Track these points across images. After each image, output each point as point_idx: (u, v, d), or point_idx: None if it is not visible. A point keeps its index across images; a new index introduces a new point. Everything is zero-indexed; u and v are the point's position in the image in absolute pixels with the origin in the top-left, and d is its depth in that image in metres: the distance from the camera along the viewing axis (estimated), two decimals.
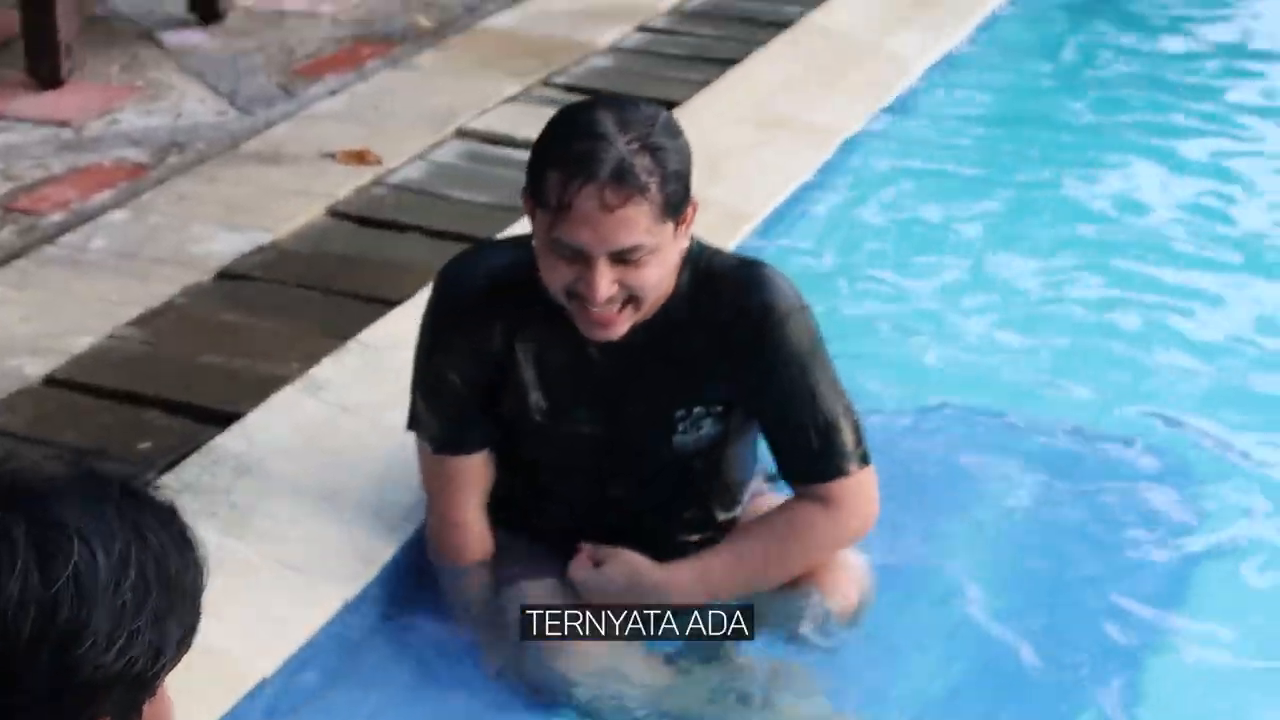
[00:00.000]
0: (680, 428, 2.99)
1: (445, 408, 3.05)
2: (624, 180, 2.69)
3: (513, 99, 5.51)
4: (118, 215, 4.46)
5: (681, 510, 3.15)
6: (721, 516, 3.19)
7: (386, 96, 5.45)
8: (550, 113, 5.28)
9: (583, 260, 2.74)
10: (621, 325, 2.83)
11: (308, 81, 5.55)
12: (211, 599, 3.07)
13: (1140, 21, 7.27)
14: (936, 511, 3.58)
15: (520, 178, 4.80)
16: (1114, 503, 3.70)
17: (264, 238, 4.37)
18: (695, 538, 3.15)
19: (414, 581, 3.27)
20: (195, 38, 5.87)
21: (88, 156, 4.82)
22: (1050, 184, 5.51)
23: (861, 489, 3.01)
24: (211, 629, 3.02)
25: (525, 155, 4.90)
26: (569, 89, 5.66)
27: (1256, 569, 3.52)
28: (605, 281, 2.75)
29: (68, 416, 3.53)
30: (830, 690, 3.06)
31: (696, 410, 2.99)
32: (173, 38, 5.85)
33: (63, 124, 5.05)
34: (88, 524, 1.45)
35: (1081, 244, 5.07)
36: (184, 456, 3.41)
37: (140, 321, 3.92)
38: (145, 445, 3.45)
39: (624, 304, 2.80)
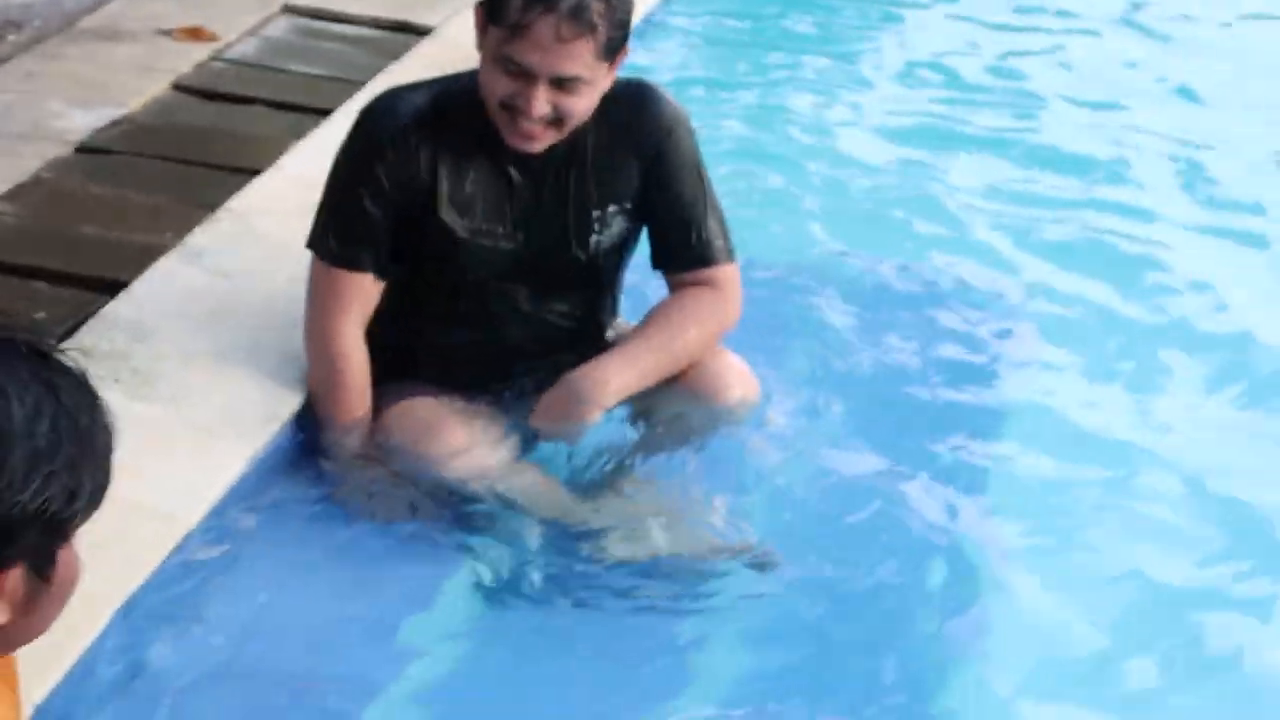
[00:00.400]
0: (597, 227, 3.13)
1: (357, 230, 3.07)
2: (579, 17, 2.84)
3: None
4: None
5: (583, 321, 3.25)
6: (609, 334, 3.32)
7: None
8: None
9: (525, 78, 2.88)
10: (543, 141, 2.98)
11: None
12: (127, 459, 3.02)
13: None
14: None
15: (348, 51, 4.85)
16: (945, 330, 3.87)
17: (117, 113, 4.28)
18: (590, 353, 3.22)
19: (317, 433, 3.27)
20: None
21: None
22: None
23: (736, 278, 3.23)
24: (131, 486, 3.00)
25: (351, 30, 5.00)
26: None
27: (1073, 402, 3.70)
28: (541, 101, 2.88)
29: None
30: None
31: (611, 208, 3.14)
32: None
33: None
34: (1, 374, 1.44)
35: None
36: (79, 324, 3.34)
37: (10, 196, 3.82)
38: (40, 315, 3.37)
39: (550, 124, 2.93)
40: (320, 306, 3.14)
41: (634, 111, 3.12)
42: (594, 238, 3.14)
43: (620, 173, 3.12)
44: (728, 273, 3.21)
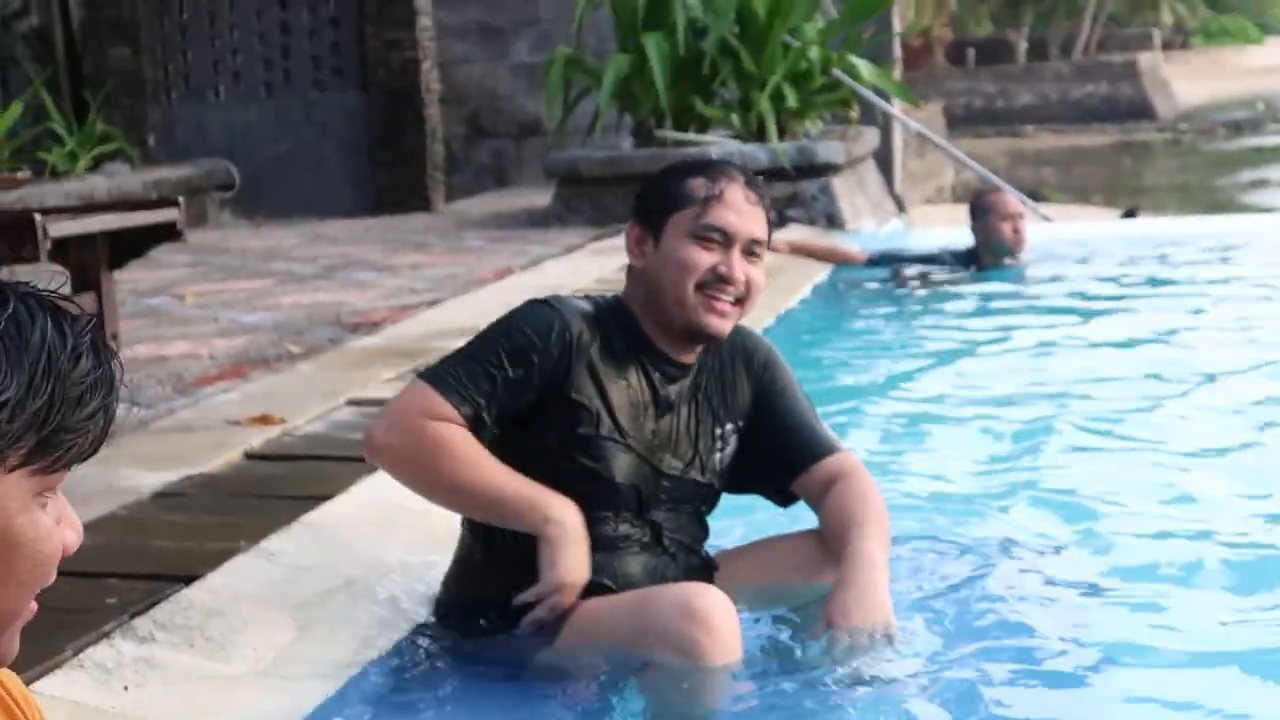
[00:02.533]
0: (718, 445, 3.02)
1: (482, 384, 2.83)
2: (755, 188, 2.97)
3: (391, 380, 5.22)
4: None
5: (696, 535, 3.08)
6: (705, 547, 3.11)
7: (277, 388, 5.15)
8: None
9: (723, 246, 2.89)
10: (731, 321, 2.94)
11: (200, 386, 5.21)
12: (202, 705, 2.62)
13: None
14: None
15: None
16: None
17: (190, 471, 3.99)
18: (699, 564, 3.07)
19: (400, 679, 2.85)
20: None
21: None
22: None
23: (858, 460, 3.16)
24: None
25: None
26: None
27: None
28: (740, 264, 2.89)
29: None
30: None
31: (729, 426, 3.04)
32: None
33: None
34: None
35: None
36: (152, 606, 2.97)
37: (85, 526, 3.47)
38: (111, 600, 2.99)
39: (735, 302, 2.92)
40: (408, 410, 2.87)
41: (735, 335, 3.06)
42: (717, 455, 3.02)
43: (736, 390, 3.08)
44: (853, 458, 3.11)
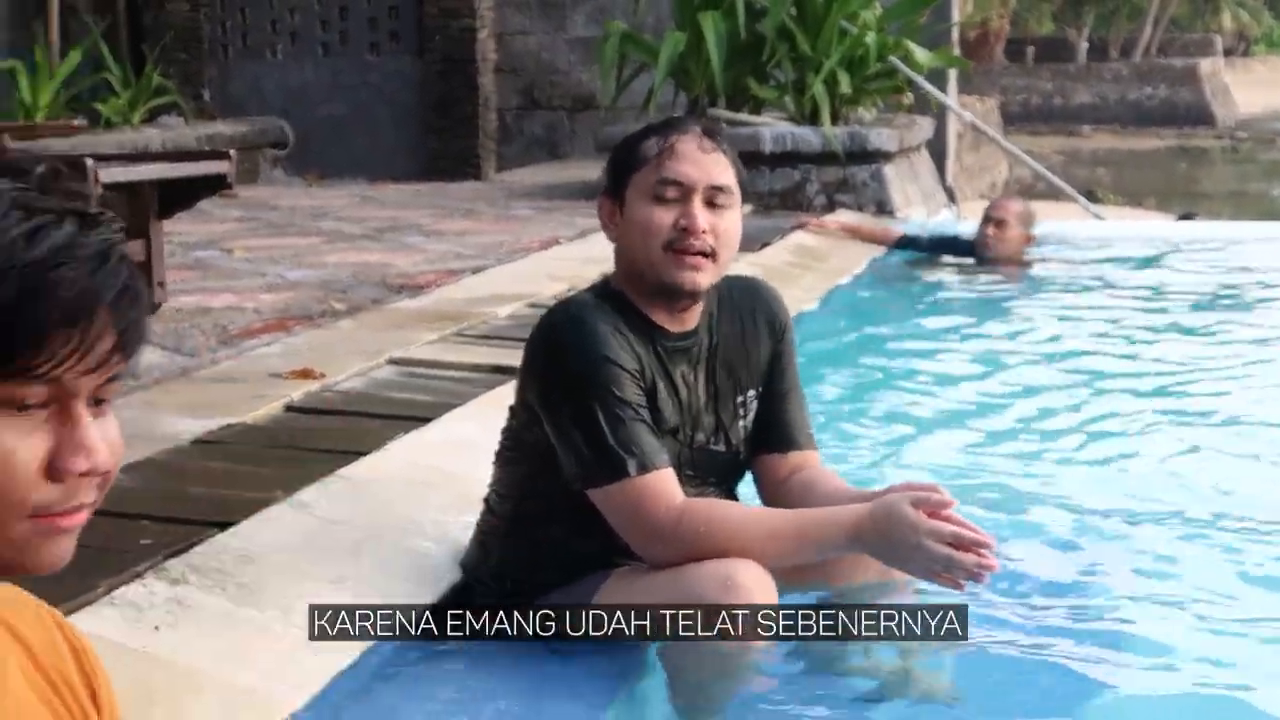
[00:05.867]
0: (741, 412, 2.99)
1: (642, 427, 2.77)
2: (711, 136, 2.92)
3: (432, 343, 5.24)
4: None
5: None
6: None
7: (319, 343, 5.17)
8: (469, 348, 5.13)
9: (683, 200, 2.84)
10: (706, 275, 2.87)
11: (244, 338, 5.24)
12: (232, 649, 2.63)
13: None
14: None
15: (449, 385, 4.61)
16: None
17: (230, 420, 4.01)
18: None
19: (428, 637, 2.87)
20: None
21: None
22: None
23: None
24: (239, 674, 2.60)
25: (454, 374, 4.78)
26: (481, 338, 5.41)
27: None
28: (703, 215, 2.83)
29: None
30: None
31: (750, 393, 3.01)
32: None
33: None
34: None
35: None
36: (187, 549, 2.99)
37: (124, 469, 3.50)
38: (145, 541, 3.02)
39: (707, 255, 2.84)
40: (649, 518, 2.75)
41: (755, 297, 3.08)
42: (740, 424, 3.00)
43: (753, 357, 3.04)
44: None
